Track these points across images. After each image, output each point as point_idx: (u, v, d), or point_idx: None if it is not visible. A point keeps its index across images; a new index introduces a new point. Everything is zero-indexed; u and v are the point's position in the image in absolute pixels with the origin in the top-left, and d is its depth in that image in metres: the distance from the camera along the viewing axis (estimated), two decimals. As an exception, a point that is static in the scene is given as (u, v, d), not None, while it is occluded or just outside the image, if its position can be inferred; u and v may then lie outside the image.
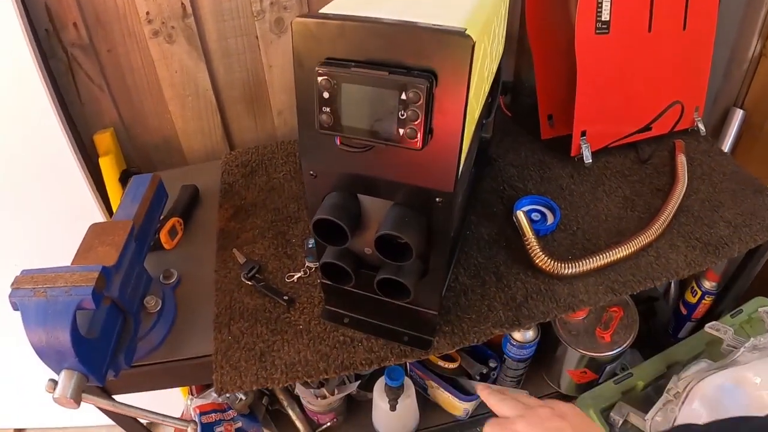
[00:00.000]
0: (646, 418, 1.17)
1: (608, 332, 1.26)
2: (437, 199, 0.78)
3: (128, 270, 0.99)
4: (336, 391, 1.32)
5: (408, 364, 1.36)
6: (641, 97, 1.34)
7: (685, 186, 1.27)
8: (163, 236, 1.23)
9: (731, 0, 1.48)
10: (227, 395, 1.33)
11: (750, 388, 1.08)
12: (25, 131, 1.32)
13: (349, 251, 0.90)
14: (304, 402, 1.37)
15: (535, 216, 1.22)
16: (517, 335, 1.26)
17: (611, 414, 1.24)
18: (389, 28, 0.66)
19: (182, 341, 1.08)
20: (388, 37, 0.66)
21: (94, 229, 1.02)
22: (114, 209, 1.40)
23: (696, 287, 1.45)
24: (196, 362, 1.06)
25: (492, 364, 1.33)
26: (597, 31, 1.22)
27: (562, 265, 1.09)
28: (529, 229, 1.11)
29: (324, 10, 0.70)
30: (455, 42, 0.64)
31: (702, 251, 1.15)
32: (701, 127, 1.42)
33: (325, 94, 0.69)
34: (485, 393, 0.86)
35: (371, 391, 1.32)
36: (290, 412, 1.42)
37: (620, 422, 1.22)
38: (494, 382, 1.37)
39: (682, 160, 1.32)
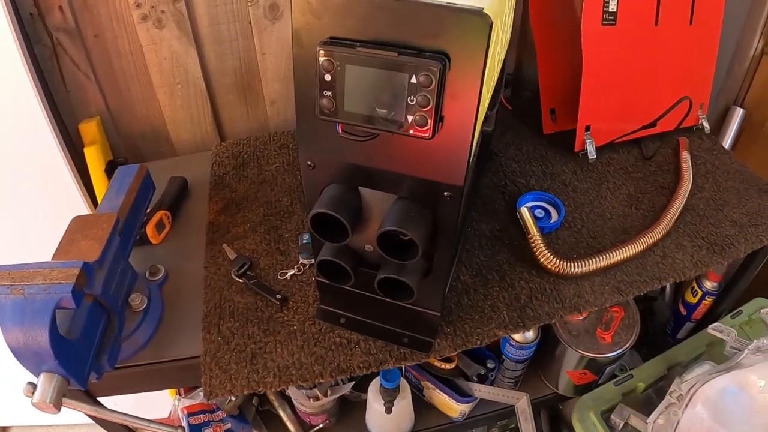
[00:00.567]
0: (648, 420, 1.15)
1: (609, 333, 1.23)
2: (445, 193, 0.74)
3: (112, 266, 0.96)
4: (329, 393, 1.29)
5: (405, 365, 1.33)
6: (646, 92, 1.32)
7: (690, 184, 1.25)
8: (150, 230, 1.19)
9: (735, -1, 1.46)
10: (216, 396, 1.30)
11: (754, 391, 1.07)
12: (8, 119, 1.28)
13: (348, 248, 0.86)
14: (295, 403, 1.34)
15: (539, 213, 1.19)
16: (518, 336, 1.23)
17: (612, 416, 1.22)
18: (399, 5, 0.61)
19: (169, 341, 1.04)
20: (397, 15, 0.62)
21: (77, 222, 0.99)
22: (99, 201, 1.37)
23: (697, 287, 1.43)
24: (184, 364, 1.02)
25: (490, 365, 1.31)
26: (604, 23, 1.20)
27: (569, 264, 1.06)
28: (533, 227, 1.07)
29: (328, -15, 0.66)
30: (472, 22, 0.59)
31: (708, 251, 1.14)
32: (705, 124, 1.41)
33: (327, 77, 0.65)
34: None
35: (365, 391, 1.29)
36: (281, 414, 1.39)
37: (621, 425, 1.20)
38: (492, 383, 1.35)
39: (686, 157, 1.31)
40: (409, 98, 0.63)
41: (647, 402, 1.24)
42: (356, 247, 0.88)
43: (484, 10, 0.59)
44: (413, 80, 0.61)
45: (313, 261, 1.11)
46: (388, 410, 1.20)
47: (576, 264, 1.06)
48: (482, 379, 1.30)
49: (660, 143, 1.38)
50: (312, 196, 0.81)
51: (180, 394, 1.42)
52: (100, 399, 1.05)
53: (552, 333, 1.26)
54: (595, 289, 1.07)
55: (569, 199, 1.24)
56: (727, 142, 1.73)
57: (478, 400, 1.29)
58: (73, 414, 0.89)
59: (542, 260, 1.06)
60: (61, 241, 0.96)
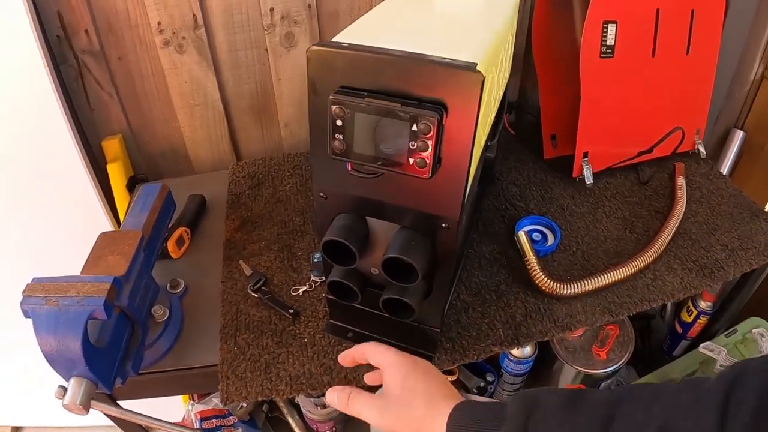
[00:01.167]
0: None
1: (604, 350, 1.27)
2: (443, 225, 0.79)
3: (137, 280, 1.00)
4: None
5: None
6: (643, 120, 1.36)
7: (684, 209, 1.28)
8: (171, 246, 1.24)
9: (735, 23, 1.49)
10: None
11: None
12: (35, 136, 1.33)
13: (356, 271, 0.91)
14: (304, 410, 1.38)
15: (536, 236, 1.24)
16: (516, 351, 1.28)
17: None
18: (401, 61, 0.67)
19: (188, 350, 1.09)
20: (400, 69, 0.68)
21: (104, 238, 1.03)
22: (121, 216, 1.43)
23: (692, 307, 1.47)
24: (202, 371, 1.07)
25: (489, 378, 1.35)
26: (602, 55, 1.23)
27: (561, 285, 1.10)
28: (529, 250, 1.12)
29: (338, 39, 0.72)
30: (465, 77, 0.65)
31: (698, 274, 1.17)
32: (701, 149, 1.43)
33: (339, 122, 0.70)
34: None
35: (371, 401, 1.33)
36: (290, 420, 1.44)
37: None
38: (491, 395, 1.39)
39: (681, 182, 1.34)
40: (410, 143, 0.68)
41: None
42: (363, 270, 0.93)
43: (477, 67, 0.65)
44: (414, 128, 0.67)
45: (323, 279, 1.16)
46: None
47: (569, 286, 1.10)
48: (482, 392, 1.34)
49: (656, 168, 1.41)
50: (324, 224, 0.86)
51: (193, 400, 1.47)
52: (120, 402, 1.09)
53: (549, 349, 1.30)
54: (586, 309, 1.10)
55: (566, 222, 1.28)
56: (726, 164, 1.75)
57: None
58: (82, 417, 0.93)
59: (537, 282, 1.11)
60: (89, 255, 0.99)
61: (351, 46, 0.69)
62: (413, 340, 1.02)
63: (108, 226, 1.48)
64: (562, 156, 1.42)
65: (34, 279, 0.91)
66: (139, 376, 1.03)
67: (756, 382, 0.54)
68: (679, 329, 1.54)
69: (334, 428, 1.43)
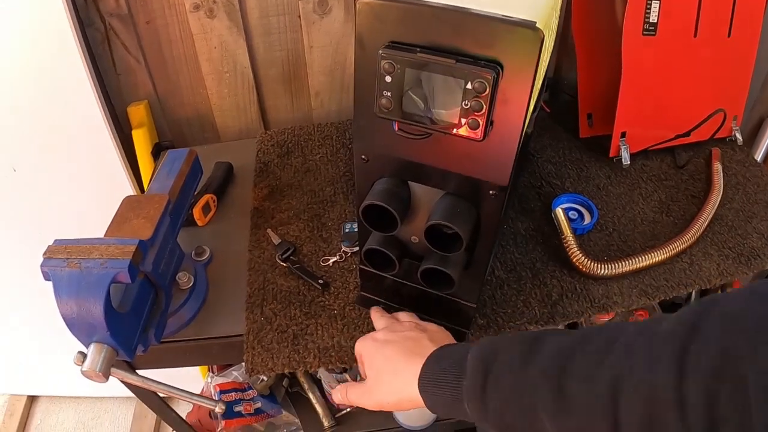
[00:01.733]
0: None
1: (634, 335, 1.25)
2: (491, 192, 0.77)
3: (162, 245, 0.98)
4: (358, 378, 1.32)
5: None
6: (682, 102, 1.33)
7: (721, 195, 1.26)
8: (197, 212, 1.22)
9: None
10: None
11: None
12: (60, 100, 1.32)
13: (394, 239, 0.89)
14: (325, 386, 1.37)
15: (573, 215, 1.21)
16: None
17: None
18: (457, 16, 0.64)
19: (213, 319, 1.08)
20: (455, 25, 0.65)
21: (129, 202, 1.02)
22: (145, 183, 1.41)
23: (722, 296, 1.44)
24: (226, 341, 1.06)
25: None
26: (644, 33, 1.20)
27: (599, 265, 1.08)
28: (567, 228, 1.10)
29: (389, -8, 0.69)
30: (525, 35, 0.62)
31: (734, 261, 1.15)
32: (738, 136, 1.40)
33: (387, 78, 0.67)
34: (375, 313, 0.96)
35: (393, 379, 1.31)
36: (310, 396, 1.42)
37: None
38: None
39: (718, 168, 1.31)
40: (464, 102, 0.65)
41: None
42: (403, 238, 0.91)
43: (536, 24, 0.62)
44: (468, 86, 0.64)
45: (355, 249, 1.14)
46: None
47: (606, 266, 1.08)
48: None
49: (693, 152, 1.39)
50: (363, 188, 0.84)
51: (212, 372, 1.46)
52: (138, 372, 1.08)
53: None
54: (623, 291, 1.08)
55: (602, 202, 1.26)
56: (760, 154, 1.73)
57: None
58: (101, 386, 0.91)
59: (574, 260, 1.09)
60: (113, 218, 0.98)
61: (402, 0, 0.66)
62: (447, 315, 0.99)
63: (131, 193, 1.46)
64: (597, 136, 1.40)
65: (55, 241, 0.89)
66: (161, 344, 1.02)
67: (718, 332, 0.49)
68: (708, 318, 1.51)
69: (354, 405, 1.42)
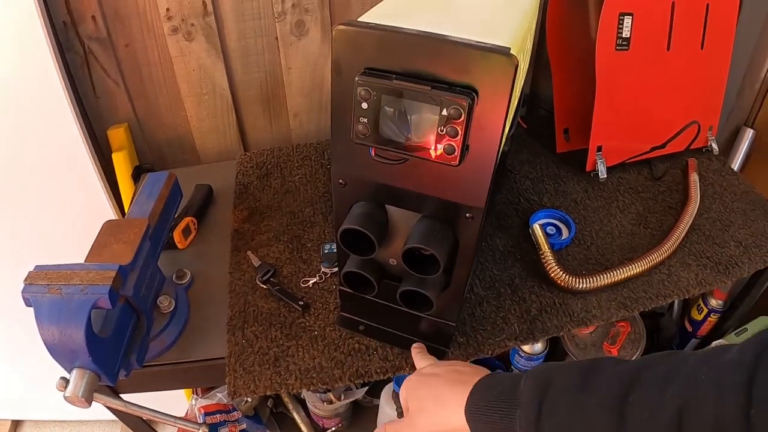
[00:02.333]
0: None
1: (615, 347, 1.26)
2: (467, 214, 0.77)
3: (143, 269, 0.98)
4: (343, 397, 1.32)
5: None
6: (657, 114, 1.35)
7: (698, 205, 1.27)
8: (177, 235, 1.22)
9: (747, 21, 1.48)
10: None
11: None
12: (39, 124, 1.31)
13: (373, 261, 0.90)
14: (309, 406, 1.37)
15: (551, 230, 1.22)
16: (526, 347, 1.26)
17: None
18: (433, 42, 0.65)
19: (194, 342, 1.08)
20: (430, 51, 0.65)
21: (109, 226, 1.02)
22: (125, 206, 1.40)
23: (702, 305, 1.46)
24: (208, 364, 1.05)
25: (499, 375, 1.33)
26: (617, 48, 1.22)
27: (577, 279, 1.09)
28: (544, 243, 1.11)
29: (364, 19, 0.69)
30: (499, 61, 0.63)
31: (712, 270, 1.16)
32: (714, 146, 1.42)
33: (364, 105, 0.68)
34: (415, 351, 0.94)
35: (377, 397, 1.31)
36: (295, 416, 1.42)
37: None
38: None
39: (694, 178, 1.33)
40: (439, 128, 0.66)
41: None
42: (381, 261, 0.91)
43: (511, 51, 0.62)
44: (444, 112, 0.65)
45: (334, 270, 1.14)
46: (400, 415, 1.22)
47: (584, 280, 1.09)
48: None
49: (669, 164, 1.40)
50: (341, 212, 0.84)
51: (197, 394, 1.45)
52: (123, 396, 1.07)
53: (560, 345, 1.28)
54: (602, 304, 1.09)
55: (580, 216, 1.27)
56: (737, 163, 1.74)
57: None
58: (86, 410, 0.91)
59: (552, 275, 1.09)
60: (93, 243, 0.98)
61: (379, 27, 0.67)
62: (427, 335, 1.00)
63: (112, 216, 1.45)
64: (574, 150, 1.41)
65: (36, 267, 0.88)
66: (143, 368, 1.01)
67: None
68: (689, 327, 1.53)
69: (340, 424, 1.42)
